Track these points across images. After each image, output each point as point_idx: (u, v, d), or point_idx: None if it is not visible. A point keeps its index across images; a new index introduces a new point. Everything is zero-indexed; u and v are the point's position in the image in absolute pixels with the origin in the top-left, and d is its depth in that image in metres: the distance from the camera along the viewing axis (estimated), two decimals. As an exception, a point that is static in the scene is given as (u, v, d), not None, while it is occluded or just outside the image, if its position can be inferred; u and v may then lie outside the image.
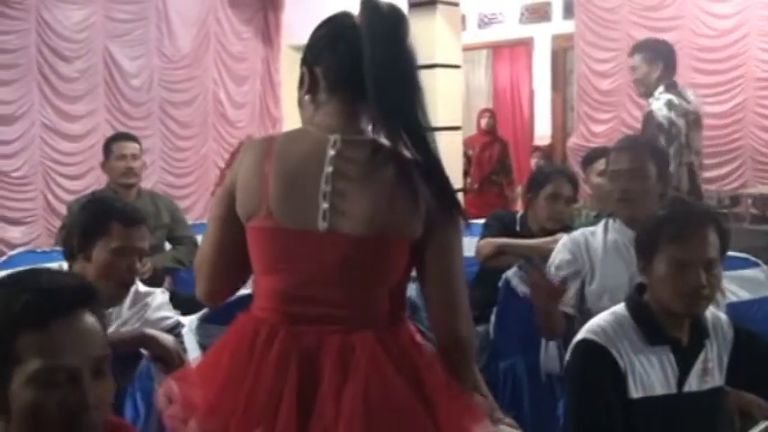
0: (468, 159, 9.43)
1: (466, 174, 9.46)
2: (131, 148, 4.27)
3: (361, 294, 1.65)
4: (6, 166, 6.36)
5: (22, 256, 3.89)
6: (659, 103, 4.29)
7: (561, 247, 2.99)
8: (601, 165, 3.98)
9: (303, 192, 1.64)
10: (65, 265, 2.48)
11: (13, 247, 5.73)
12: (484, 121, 9.12)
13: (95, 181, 6.63)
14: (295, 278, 1.64)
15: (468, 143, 9.61)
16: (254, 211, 1.67)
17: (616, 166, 2.89)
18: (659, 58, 4.41)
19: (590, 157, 4.20)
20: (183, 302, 3.08)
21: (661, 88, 4.35)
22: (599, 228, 2.96)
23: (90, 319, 1.32)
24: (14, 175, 6.40)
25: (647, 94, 4.43)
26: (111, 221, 2.40)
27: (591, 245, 2.92)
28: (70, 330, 1.29)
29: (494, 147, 9.05)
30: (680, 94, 4.38)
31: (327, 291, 1.63)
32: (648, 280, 2.13)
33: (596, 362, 2.08)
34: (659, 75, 4.39)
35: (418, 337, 1.72)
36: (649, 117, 4.30)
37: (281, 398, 1.57)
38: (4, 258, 3.99)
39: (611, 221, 2.93)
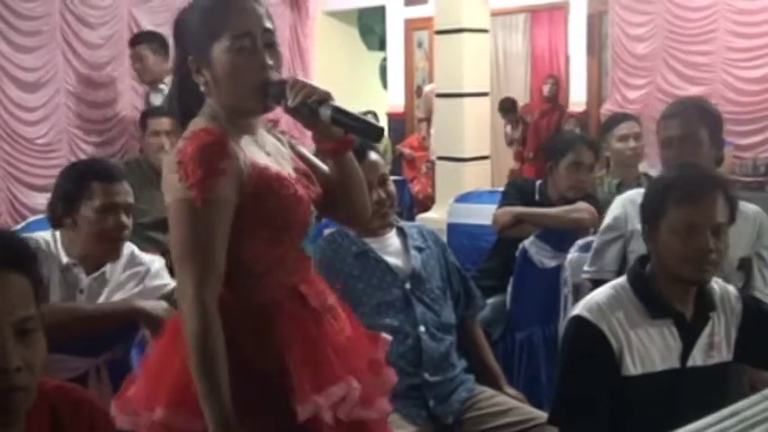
0: (525, 126, 9.30)
1: (523, 141, 9.33)
2: (166, 123, 4.18)
3: None
4: (31, 132, 6.30)
5: (40, 223, 3.87)
6: None
7: (616, 205, 2.94)
8: (621, 130, 3.91)
9: None
10: (47, 235, 2.49)
11: (38, 213, 5.71)
12: (546, 88, 8.96)
13: (120, 149, 6.62)
14: None
15: (525, 110, 9.45)
16: None
17: (667, 134, 2.79)
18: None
19: (609, 123, 4.12)
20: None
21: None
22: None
23: (14, 279, 1.27)
24: (39, 141, 6.35)
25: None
26: (90, 182, 2.41)
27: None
28: None
29: (553, 114, 8.90)
30: None
31: None
32: (653, 246, 2.06)
33: (585, 341, 2.02)
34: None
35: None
36: None
37: None
38: (22, 224, 3.97)
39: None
